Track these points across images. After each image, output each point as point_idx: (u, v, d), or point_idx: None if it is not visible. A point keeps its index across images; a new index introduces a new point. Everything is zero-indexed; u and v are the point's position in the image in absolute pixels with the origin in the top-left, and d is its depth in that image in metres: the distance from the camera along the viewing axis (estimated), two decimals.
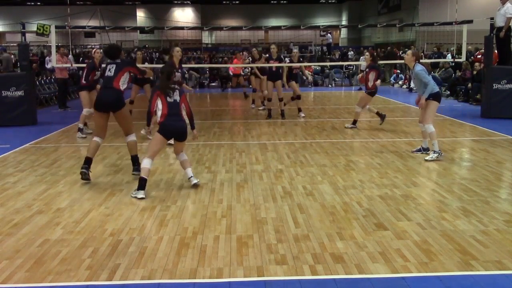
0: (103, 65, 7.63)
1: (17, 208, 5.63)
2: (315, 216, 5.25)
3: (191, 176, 6.43)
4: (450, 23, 14.18)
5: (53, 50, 13.33)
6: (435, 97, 7.75)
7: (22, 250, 4.45)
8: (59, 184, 6.62)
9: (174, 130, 6.31)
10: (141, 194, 5.96)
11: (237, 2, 45.52)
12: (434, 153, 7.74)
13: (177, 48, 9.40)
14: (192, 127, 6.66)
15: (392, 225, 4.97)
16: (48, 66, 16.26)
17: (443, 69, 18.44)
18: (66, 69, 15.03)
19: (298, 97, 12.64)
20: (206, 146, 9.08)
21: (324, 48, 33.37)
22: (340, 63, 20.07)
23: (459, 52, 16.59)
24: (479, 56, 18.22)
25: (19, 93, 11.69)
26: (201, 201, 5.85)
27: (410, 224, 4.99)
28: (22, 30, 12.77)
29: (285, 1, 45.57)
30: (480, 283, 3.79)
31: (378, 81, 10.61)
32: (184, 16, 44.13)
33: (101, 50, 9.84)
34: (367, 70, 10.82)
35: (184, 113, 6.48)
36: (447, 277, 3.86)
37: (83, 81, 10.05)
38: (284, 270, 4.00)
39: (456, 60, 16.06)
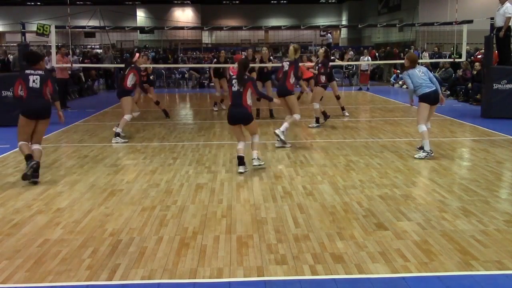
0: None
1: (17, 208, 5.63)
2: (315, 216, 5.25)
3: (254, 158, 7.24)
4: (450, 23, 14.18)
5: (53, 50, 13.33)
6: (423, 98, 7.95)
7: (22, 250, 4.45)
8: (59, 184, 6.62)
9: (236, 117, 7.18)
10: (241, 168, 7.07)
11: (237, 2, 45.53)
12: (423, 151, 7.89)
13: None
14: (270, 99, 8.26)
15: (392, 225, 4.97)
16: (47, 66, 16.30)
17: (443, 69, 18.44)
18: (67, 69, 15.03)
19: (337, 97, 12.89)
20: (206, 146, 9.08)
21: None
22: (340, 63, 20.04)
23: (456, 52, 16.60)
24: (479, 56, 18.22)
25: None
26: (201, 201, 5.85)
27: (410, 224, 4.99)
28: (22, 30, 12.78)
29: (285, 1, 45.58)
30: (480, 283, 3.79)
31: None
32: (184, 16, 44.16)
33: (149, 55, 10.43)
34: (319, 65, 11.27)
35: (249, 101, 7.16)
36: (447, 277, 3.86)
37: (128, 86, 9.73)
38: (284, 270, 4.00)
39: (455, 60, 16.04)
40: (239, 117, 7.15)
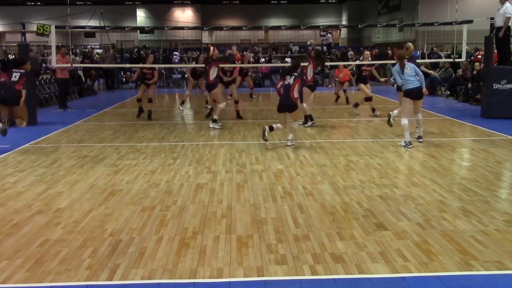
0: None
1: (17, 208, 5.63)
2: (315, 216, 5.25)
3: (289, 139, 8.95)
4: (450, 23, 14.17)
5: (53, 50, 13.33)
6: (406, 94, 8.83)
7: (22, 250, 4.45)
8: (59, 184, 6.62)
9: (284, 105, 8.82)
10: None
11: (237, 2, 45.51)
12: (404, 142, 8.80)
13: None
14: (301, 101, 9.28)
15: (392, 225, 4.97)
16: (50, 65, 16.41)
17: (443, 69, 18.43)
18: (67, 69, 15.02)
19: (370, 99, 12.92)
20: (206, 146, 9.08)
21: (324, 48, 33.36)
22: (340, 63, 20.03)
23: (454, 52, 16.61)
24: (479, 56, 18.22)
25: None
26: (201, 201, 5.85)
27: (410, 224, 4.99)
28: (22, 30, 12.77)
29: (285, 1, 45.56)
30: (480, 283, 3.79)
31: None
32: (184, 16, 44.13)
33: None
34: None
35: (295, 94, 8.78)
36: (447, 277, 3.87)
37: (211, 79, 10.84)
38: (284, 270, 4.00)
39: (455, 60, 16.04)
40: (286, 105, 8.78)
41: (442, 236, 4.67)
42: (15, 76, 9.20)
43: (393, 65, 9.91)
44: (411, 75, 8.76)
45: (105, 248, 4.47)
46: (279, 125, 8.98)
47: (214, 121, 10.99)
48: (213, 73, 10.86)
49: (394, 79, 9.40)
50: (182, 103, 14.54)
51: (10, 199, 6.00)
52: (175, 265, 4.12)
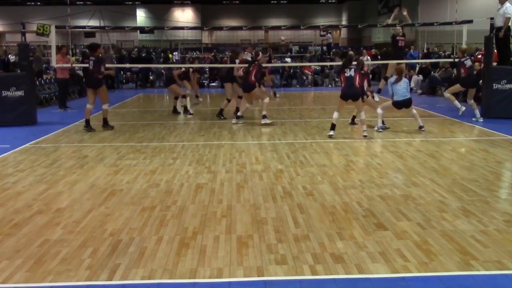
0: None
1: (17, 208, 5.63)
2: (315, 216, 5.25)
3: (364, 130, 9.68)
4: (450, 23, 14.17)
5: (53, 50, 13.33)
6: (394, 104, 10.25)
7: (22, 250, 4.45)
8: (59, 184, 6.62)
9: (348, 94, 9.60)
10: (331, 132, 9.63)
11: (237, 2, 45.53)
12: (377, 127, 10.41)
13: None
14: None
15: (392, 225, 4.97)
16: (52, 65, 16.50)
17: (443, 69, 18.43)
18: (67, 69, 15.02)
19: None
20: (206, 146, 9.08)
21: (324, 48, 33.36)
22: (340, 63, 20.07)
23: (455, 52, 16.58)
24: (479, 56, 18.20)
25: (19, 93, 11.69)
26: (201, 201, 5.85)
27: (410, 224, 4.99)
28: (22, 30, 12.77)
29: (285, 1, 45.58)
30: (480, 283, 3.79)
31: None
32: (184, 16, 44.15)
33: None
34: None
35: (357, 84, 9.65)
36: (447, 277, 3.87)
37: (253, 79, 11.34)
38: (284, 270, 4.00)
39: (455, 60, 16.03)
40: (351, 94, 9.58)
41: (442, 236, 4.67)
42: (91, 63, 10.72)
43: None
44: (403, 87, 10.11)
45: (105, 248, 4.47)
46: (335, 116, 9.71)
47: (265, 117, 11.39)
48: (255, 75, 11.39)
49: (413, 85, 10.57)
50: (185, 108, 13.91)
51: (10, 199, 6.00)
52: (175, 265, 4.12)
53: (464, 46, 12.60)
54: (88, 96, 11.09)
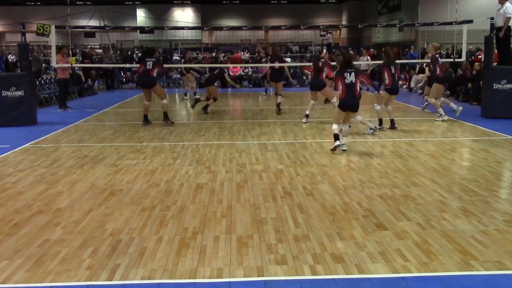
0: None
1: (17, 208, 5.63)
2: (315, 216, 5.25)
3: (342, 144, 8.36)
4: (450, 23, 14.18)
5: (53, 50, 13.33)
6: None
7: (22, 250, 4.45)
8: (59, 184, 6.62)
9: (349, 105, 8.24)
10: (336, 143, 8.19)
11: (237, 2, 45.51)
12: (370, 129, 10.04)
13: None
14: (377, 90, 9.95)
15: (392, 225, 4.97)
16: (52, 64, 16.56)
17: (443, 69, 18.40)
18: (68, 69, 15.03)
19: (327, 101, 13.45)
20: (206, 146, 9.08)
21: (324, 48, 33.37)
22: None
23: (455, 52, 16.59)
24: (479, 56, 18.21)
25: (19, 93, 11.70)
26: (201, 201, 5.84)
27: (410, 224, 4.99)
28: (22, 30, 12.77)
29: (285, 1, 45.57)
30: (480, 283, 3.79)
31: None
32: (184, 16, 44.11)
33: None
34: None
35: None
36: (447, 277, 3.87)
37: (324, 78, 11.46)
38: (284, 270, 4.00)
39: (455, 60, 16.04)
40: (352, 105, 8.30)
41: (442, 236, 4.67)
42: (149, 64, 11.32)
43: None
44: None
45: (105, 248, 4.47)
46: (335, 126, 8.29)
47: (307, 116, 11.65)
48: (325, 73, 11.43)
49: (413, 84, 10.58)
50: (206, 107, 13.69)
51: (10, 199, 6.00)
52: (175, 265, 4.12)
53: (436, 43, 12.49)
54: (144, 95, 11.72)
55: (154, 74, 11.45)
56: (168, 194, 6.14)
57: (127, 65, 22.84)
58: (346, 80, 8.18)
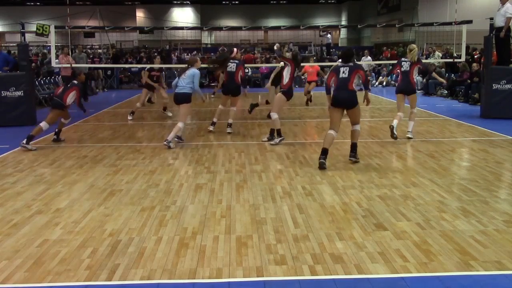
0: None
1: (16, 208, 5.63)
2: (314, 216, 5.25)
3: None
4: (450, 23, 14.17)
5: (53, 50, 13.33)
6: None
7: (21, 250, 4.45)
8: (58, 184, 6.62)
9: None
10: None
11: (236, 2, 45.49)
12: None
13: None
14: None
15: (391, 225, 4.97)
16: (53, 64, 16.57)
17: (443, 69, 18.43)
18: (70, 67, 15.09)
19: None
20: (206, 146, 9.08)
21: (324, 48, 33.37)
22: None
23: (454, 52, 16.60)
24: (475, 56, 18.22)
25: (19, 93, 11.70)
26: (201, 201, 5.84)
27: (410, 224, 4.99)
28: (22, 30, 12.77)
29: (285, 1, 45.54)
30: (480, 283, 3.79)
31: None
32: (183, 16, 44.07)
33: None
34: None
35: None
36: (447, 277, 3.87)
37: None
38: (284, 270, 4.00)
39: (455, 60, 16.05)
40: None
41: (441, 236, 4.67)
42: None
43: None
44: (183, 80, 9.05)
45: (104, 248, 4.47)
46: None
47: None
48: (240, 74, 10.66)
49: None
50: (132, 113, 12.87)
51: (10, 199, 6.00)
52: (175, 265, 4.12)
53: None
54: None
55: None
56: (168, 194, 6.13)
57: (127, 65, 22.83)
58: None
